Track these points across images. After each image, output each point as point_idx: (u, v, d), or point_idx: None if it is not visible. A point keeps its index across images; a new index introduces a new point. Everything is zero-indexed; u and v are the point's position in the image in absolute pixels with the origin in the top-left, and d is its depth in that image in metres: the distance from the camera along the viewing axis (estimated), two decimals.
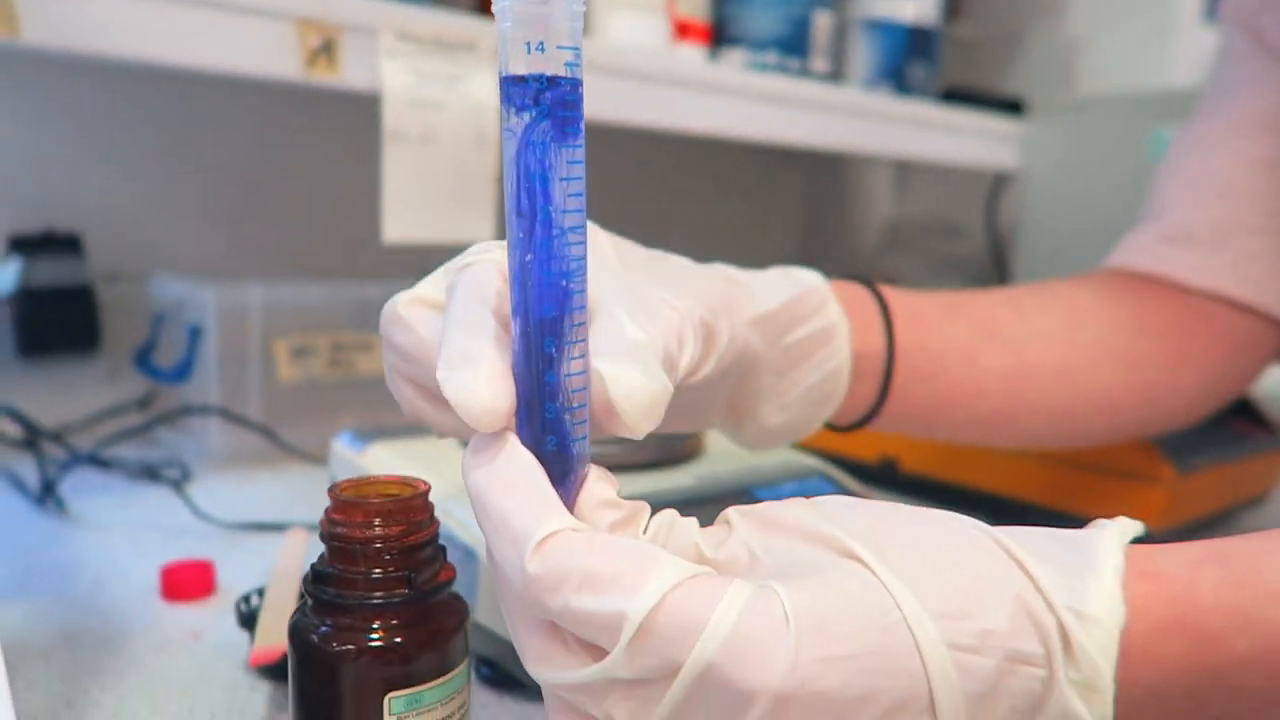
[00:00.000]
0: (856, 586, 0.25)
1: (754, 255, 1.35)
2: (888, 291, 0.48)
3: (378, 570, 0.31)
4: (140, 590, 0.51)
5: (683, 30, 0.88)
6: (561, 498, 0.27)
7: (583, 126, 0.26)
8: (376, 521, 0.31)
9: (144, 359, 0.78)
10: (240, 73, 0.61)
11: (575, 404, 0.27)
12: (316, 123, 0.94)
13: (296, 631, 0.32)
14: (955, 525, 0.27)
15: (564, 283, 0.26)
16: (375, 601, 0.31)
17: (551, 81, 0.25)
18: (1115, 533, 0.28)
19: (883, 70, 0.99)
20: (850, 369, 0.44)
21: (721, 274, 0.40)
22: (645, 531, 0.28)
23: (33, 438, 0.69)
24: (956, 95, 1.07)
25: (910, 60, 0.99)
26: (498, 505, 0.26)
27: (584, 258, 0.27)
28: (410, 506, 0.32)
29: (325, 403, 0.79)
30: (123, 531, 0.60)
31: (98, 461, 0.70)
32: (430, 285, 0.32)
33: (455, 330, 0.28)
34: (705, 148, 1.13)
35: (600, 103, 0.78)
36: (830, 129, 0.93)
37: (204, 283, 0.75)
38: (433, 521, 0.33)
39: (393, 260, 0.81)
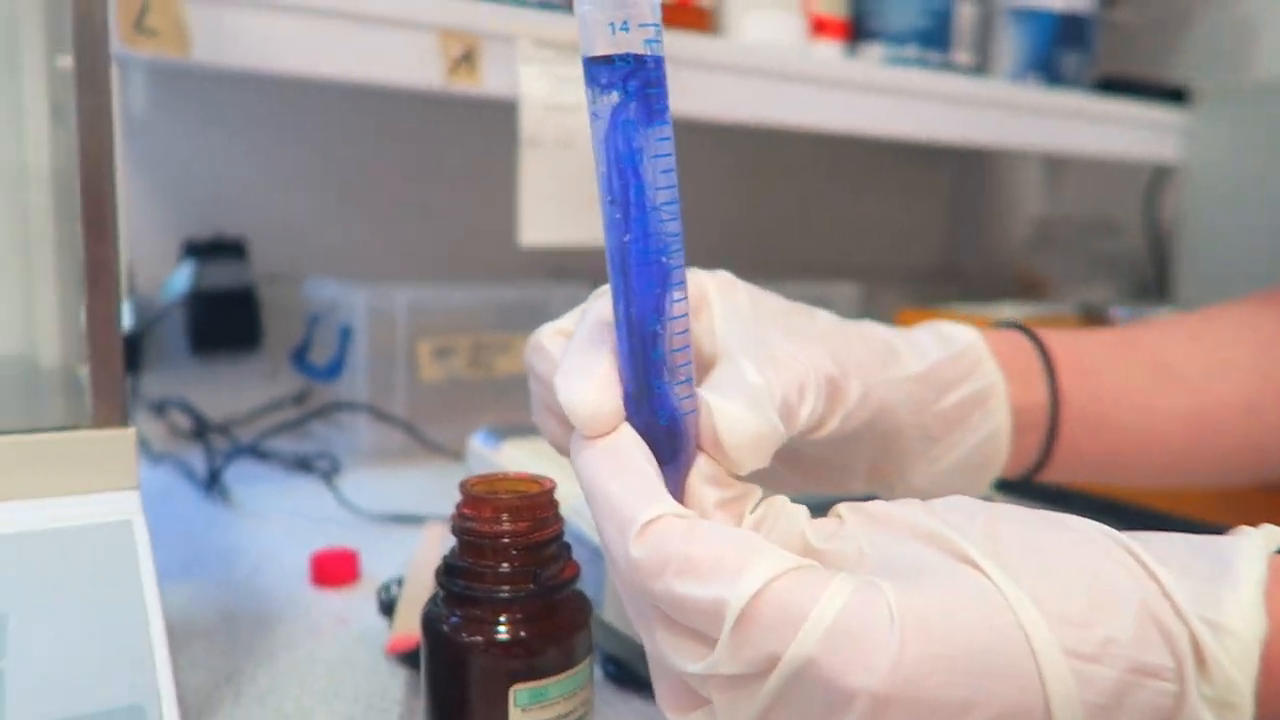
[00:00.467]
0: (968, 588, 0.24)
1: (897, 255, 1.32)
2: (1050, 338, 0.45)
3: (505, 565, 0.32)
4: (292, 575, 0.54)
5: (819, 26, 0.87)
6: (671, 475, 0.27)
7: (668, 103, 0.26)
8: (504, 517, 0.32)
9: (300, 357, 0.83)
10: (388, 82, 0.64)
11: (681, 378, 0.27)
12: (459, 129, 0.97)
13: (429, 621, 0.33)
14: (1079, 529, 0.26)
15: (663, 259, 0.26)
16: (502, 595, 0.32)
17: (637, 60, 0.25)
18: (1258, 540, 0.26)
19: (1031, 61, 0.95)
20: (1010, 430, 0.41)
21: (863, 332, 0.39)
22: (753, 513, 0.28)
23: (201, 430, 0.74)
24: (1113, 84, 1.01)
25: (1062, 49, 0.95)
26: (603, 490, 0.27)
27: (679, 234, 0.27)
28: (536, 503, 0.33)
29: (465, 401, 0.82)
30: (278, 519, 0.64)
31: (257, 453, 0.74)
32: (571, 318, 0.34)
33: (576, 346, 0.29)
34: (846, 145, 1.11)
35: (737, 103, 0.78)
36: (975, 123, 0.90)
37: (354, 285, 0.79)
38: (558, 519, 0.33)
39: (531, 263, 0.83)
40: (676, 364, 0.27)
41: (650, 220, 0.26)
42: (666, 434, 0.28)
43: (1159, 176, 1.10)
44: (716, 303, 0.35)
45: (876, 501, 0.28)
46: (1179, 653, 0.23)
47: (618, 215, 0.26)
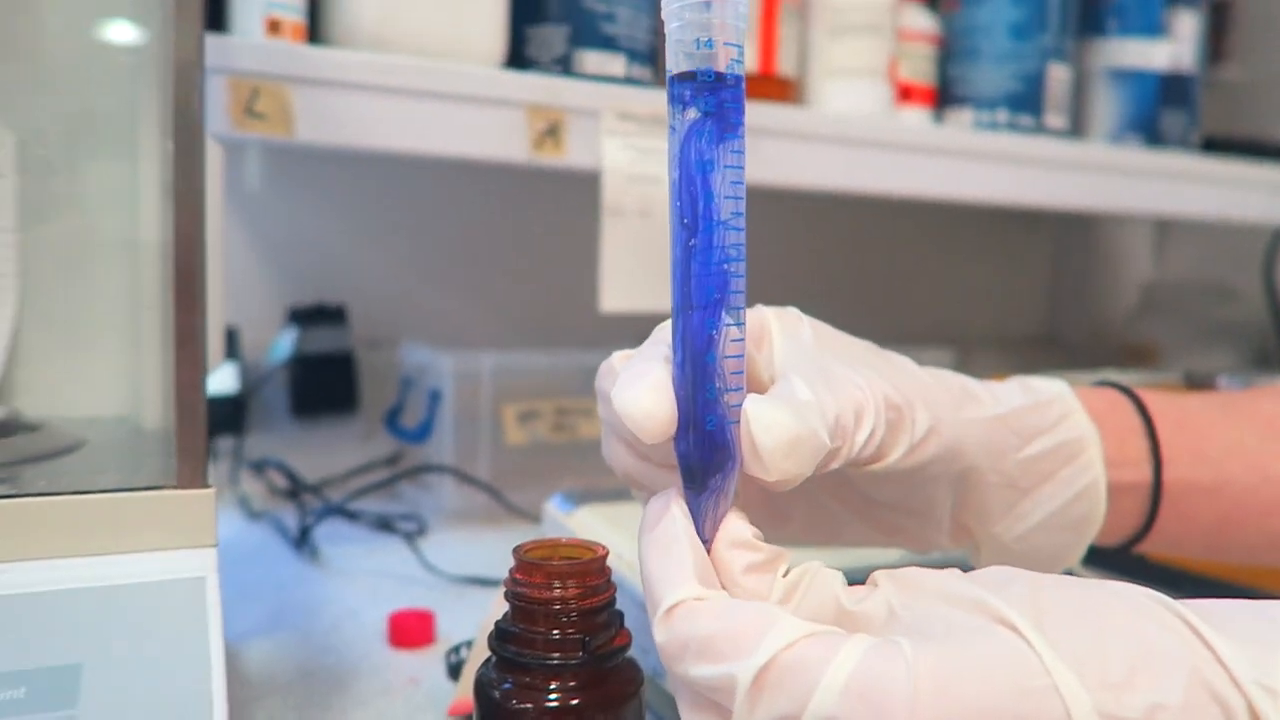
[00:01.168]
0: (997, 648, 0.23)
1: (999, 322, 1.29)
2: (1147, 395, 0.42)
3: (556, 631, 0.32)
4: (371, 634, 0.56)
5: (906, 93, 0.87)
6: (719, 484, 0.28)
7: (744, 120, 0.27)
8: (555, 583, 0.33)
9: (392, 420, 0.86)
10: (477, 157, 0.67)
11: (732, 385, 0.28)
12: (544, 200, 1.00)
13: (480, 686, 0.33)
14: (1126, 595, 0.25)
15: (725, 266, 0.27)
16: (553, 662, 0.32)
17: (718, 77, 0.27)
18: None
19: (1131, 122, 0.92)
20: (1106, 486, 0.39)
21: (938, 373, 0.38)
22: (785, 576, 0.28)
23: (295, 489, 0.77)
24: (1221, 144, 0.97)
25: (1164, 110, 0.92)
26: (646, 571, 0.28)
27: (743, 244, 0.28)
28: (588, 570, 0.33)
29: (549, 464, 0.83)
30: (362, 578, 0.65)
31: (346, 513, 0.77)
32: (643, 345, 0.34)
33: (634, 360, 0.30)
34: (945, 210, 1.10)
35: (823, 172, 0.78)
36: (1070, 187, 0.87)
37: (444, 350, 0.81)
38: (609, 586, 0.33)
39: (612, 329, 0.84)
40: (728, 371, 0.28)
41: (715, 230, 0.27)
42: (712, 440, 0.28)
43: (1278, 239, 1.05)
44: (777, 334, 0.35)
45: (913, 568, 0.27)
46: None
47: (686, 220, 0.27)
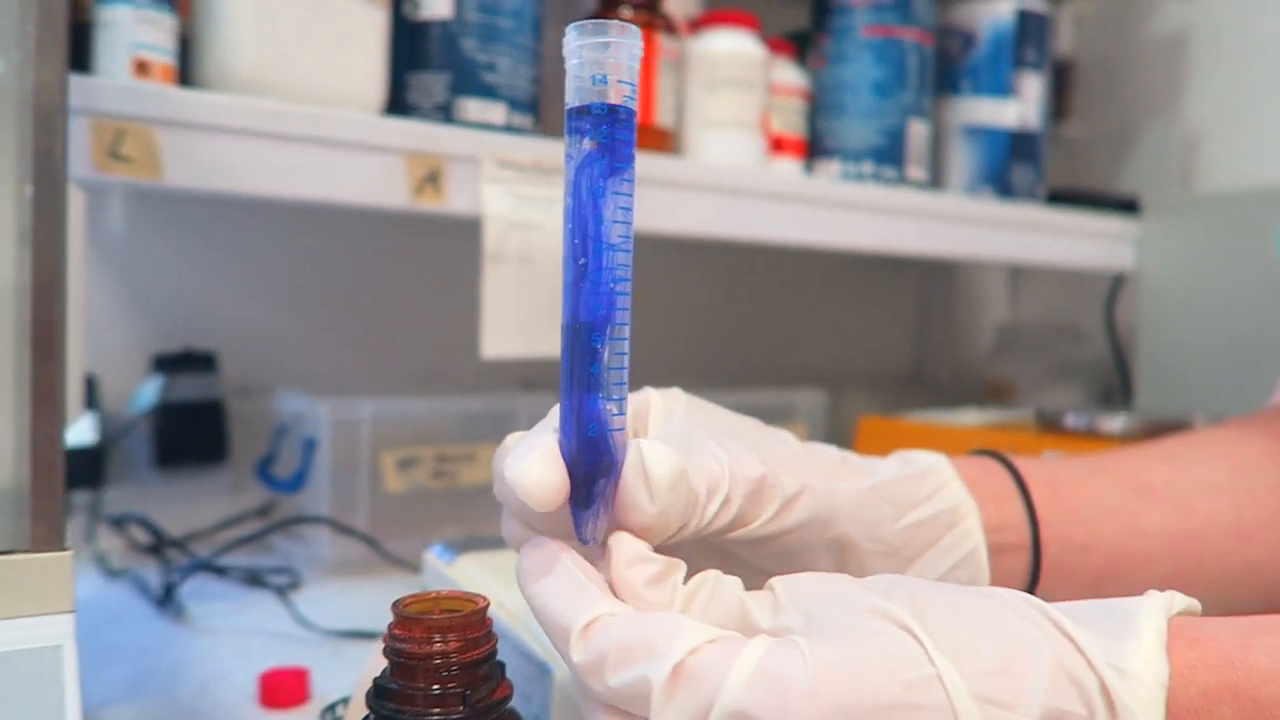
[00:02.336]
0: (885, 643, 0.26)
1: (866, 362, 1.34)
2: (1020, 461, 0.45)
3: (436, 686, 0.32)
4: (240, 696, 0.53)
5: (778, 145, 0.90)
6: (602, 490, 0.30)
7: (634, 153, 0.30)
8: (435, 637, 0.32)
9: (264, 470, 0.83)
10: (355, 203, 0.66)
11: (615, 396, 0.30)
12: (423, 247, 1.00)
13: None
14: (1000, 597, 0.29)
15: (612, 285, 0.30)
16: (433, 718, 0.32)
17: (611, 110, 0.29)
18: (1160, 600, 0.29)
19: (984, 176, 0.98)
20: (988, 550, 0.41)
21: (814, 448, 0.40)
22: (685, 584, 0.30)
23: (158, 544, 0.74)
24: (1066, 197, 1.05)
25: (1014, 164, 0.99)
26: (542, 606, 0.29)
27: (629, 266, 0.30)
28: (469, 622, 0.33)
29: (429, 513, 0.81)
30: (231, 636, 0.63)
31: (214, 568, 0.74)
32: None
33: (526, 435, 0.32)
34: (814, 256, 1.14)
35: (700, 219, 0.80)
36: (931, 236, 0.92)
37: (320, 397, 0.79)
38: (490, 638, 0.33)
39: (494, 375, 0.84)
40: (611, 382, 0.30)
41: (604, 252, 0.30)
42: (593, 446, 0.30)
43: (1118, 284, 1.13)
44: (656, 412, 0.37)
45: (807, 573, 0.29)
46: (1090, 699, 0.26)
47: (577, 241, 0.30)
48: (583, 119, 0.29)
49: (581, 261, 0.29)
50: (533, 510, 0.30)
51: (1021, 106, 0.99)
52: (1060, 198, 1.04)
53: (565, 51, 0.29)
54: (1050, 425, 0.75)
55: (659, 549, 0.36)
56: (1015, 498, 0.43)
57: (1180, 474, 0.47)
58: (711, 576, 0.30)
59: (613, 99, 0.29)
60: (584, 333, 0.30)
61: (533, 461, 0.30)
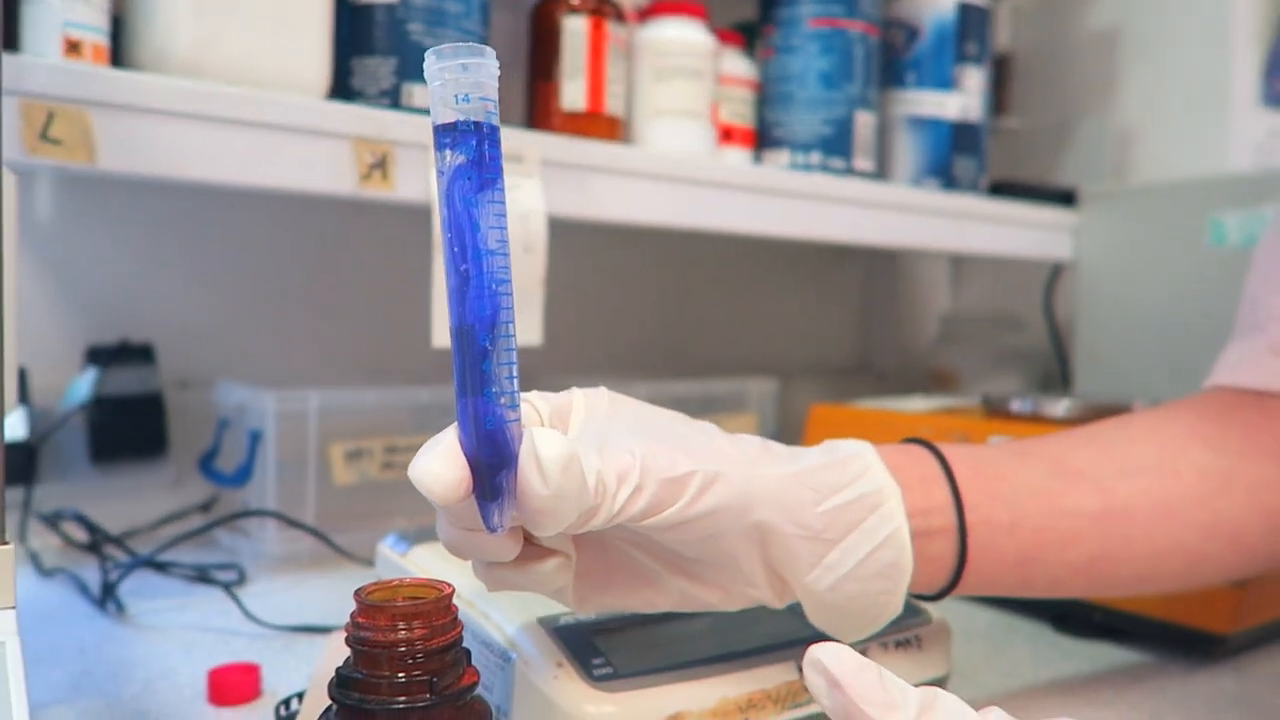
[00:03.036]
0: None
1: (813, 351, 1.36)
2: (948, 447, 0.46)
3: (401, 674, 0.31)
4: (188, 694, 0.52)
5: (727, 134, 0.90)
6: (504, 480, 0.32)
7: (502, 164, 0.32)
8: (400, 625, 0.32)
9: (207, 464, 0.81)
10: (301, 190, 0.65)
11: (507, 389, 0.32)
12: (371, 234, 0.98)
13: None
14: None
15: (495, 288, 0.32)
16: (399, 706, 0.31)
17: (476, 125, 0.31)
18: None
19: (928, 167, 1.00)
20: (910, 532, 0.42)
21: (740, 438, 0.41)
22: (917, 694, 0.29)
23: (96, 541, 0.71)
24: (1006, 188, 1.07)
25: (956, 156, 1.00)
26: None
27: (508, 268, 0.32)
28: (434, 609, 0.32)
29: (379, 505, 0.80)
30: (177, 633, 0.61)
31: (156, 564, 0.71)
32: None
33: (434, 438, 0.33)
34: (762, 246, 1.15)
35: (649, 207, 0.80)
36: (876, 225, 0.94)
37: (264, 389, 0.78)
38: (455, 624, 0.33)
39: (444, 364, 0.83)
40: (501, 377, 0.32)
41: (484, 258, 0.31)
42: (492, 438, 0.32)
43: (1056, 273, 1.16)
44: (578, 410, 0.39)
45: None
46: None
47: (456, 250, 0.31)
48: (447, 134, 0.31)
49: (463, 268, 0.31)
50: (441, 505, 0.32)
51: (964, 99, 1.00)
52: (1001, 189, 1.07)
53: (427, 75, 0.31)
54: (996, 410, 0.76)
55: (576, 538, 0.38)
56: (941, 482, 0.44)
57: (1105, 455, 0.48)
58: (937, 693, 0.29)
59: (478, 115, 0.31)
60: (471, 334, 0.31)
61: (433, 458, 0.32)
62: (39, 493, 0.78)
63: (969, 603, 0.69)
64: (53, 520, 0.77)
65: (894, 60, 1.00)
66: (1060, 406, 0.72)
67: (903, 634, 0.49)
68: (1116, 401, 0.72)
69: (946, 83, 1.00)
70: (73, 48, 0.60)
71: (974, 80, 1.01)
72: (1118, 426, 0.51)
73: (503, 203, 0.32)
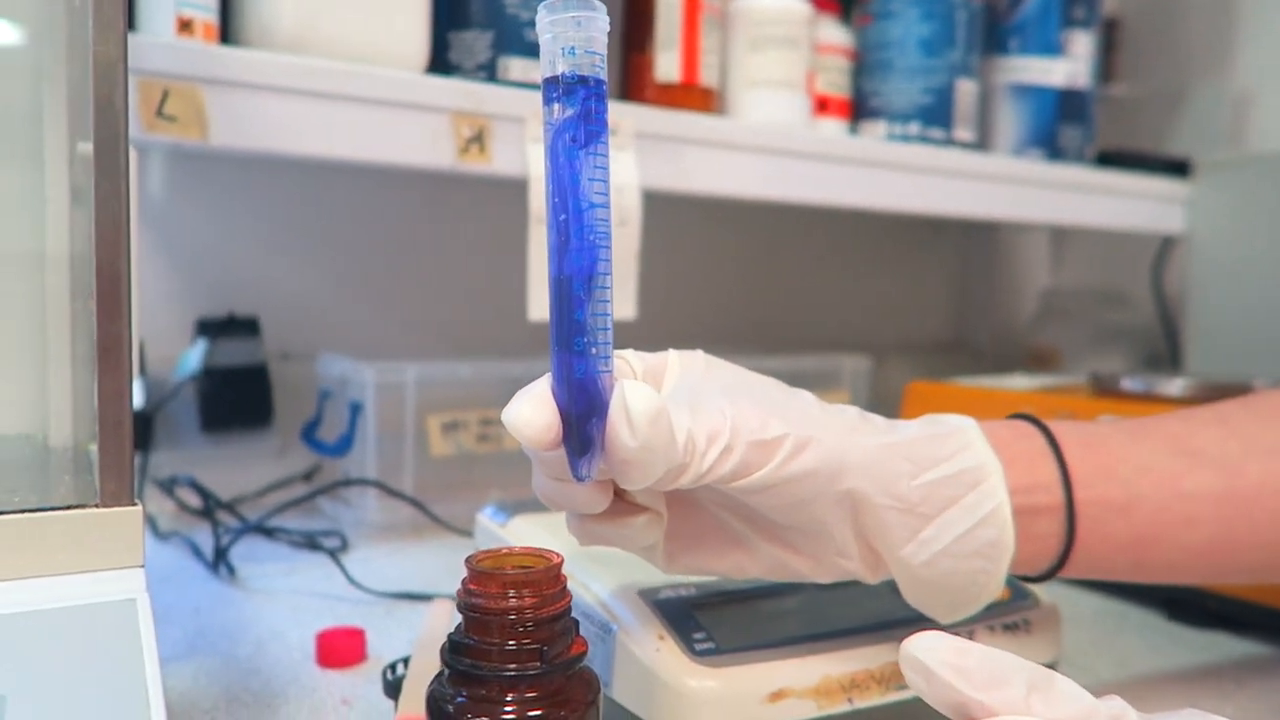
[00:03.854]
0: None
1: (907, 328, 1.33)
2: (1056, 424, 0.44)
3: (511, 642, 0.32)
4: (297, 655, 0.54)
5: (823, 105, 0.89)
6: (594, 430, 0.33)
7: (607, 117, 0.32)
8: (510, 593, 0.32)
9: (310, 433, 0.83)
10: (401, 163, 0.66)
11: (600, 340, 0.33)
12: (466, 208, 0.99)
13: (434, 701, 0.33)
14: None
15: (592, 239, 0.32)
16: (509, 673, 0.32)
17: (582, 79, 0.31)
18: None
19: (1032, 137, 0.96)
20: (1012, 512, 0.40)
21: (837, 407, 0.40)
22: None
23: (209, 507, 0.74)
24: (1114, 158, 1.02)
25: (1062, 125, 0.96)
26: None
27: (608, 222, 0.32)
28: (543, 578, 0.32)
29: (474, 476, 0.81)
30: (285, 597, 0.63)
31: (264, 530, 0.74)
32: None
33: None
34: (855, 221, 1.12)
35: (743, 180, 0.79)
36: (977, 197, 0.91)
37: (364, 361, 0.79)
38: (565, 594, 0.33)
39: (540, 337, 0.83)
40: (595, 327, 0.32)
41: (584, 210, 0.32)
42: (583, 387, 0.32)
43: (1166, 247, 1.11)
44: (674, 371, 0.39)
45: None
46: None
47: (557, 200, 0.32)
48: (554, 87, 0.32)
49: (563, 218, 0.32)
50: (534, 451, 0.34)
51: (1071, 65, 0.96)
52: (1109, 159, 1.02)
53: (538, 28, 0.32)
54: (1105, 389, 0.73)
55: (667, 498, 0.38)
56: (1047, 458, 0.43)
57: (1230, 435, 0.45)
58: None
59: (583, 69, 0.31)
60: (568, 284, 0.32)
61: (524, 403, 0.33)
62: (154, 459, 0.82)
63: (1075, 588, 0.67)
64: (168, 486, 0.80)
65: (996, 25, 0.97)
66: (1175, 385, 0.68)
67: (1010, 617, 0.48)
68: (1236, 381, 0.68)
69: (1053, 48, 0.96)
70: (185, 26, 0.61)
71: (1082, 45, 0.97)
72: (1242, 406, 0.48)
73: (606, 156, 0.32)
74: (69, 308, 0.50)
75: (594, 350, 0.32)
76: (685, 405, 0.35)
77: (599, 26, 0.31)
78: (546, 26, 0.31)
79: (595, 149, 0.32)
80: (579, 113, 0.31)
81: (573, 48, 0.31)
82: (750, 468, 0.36)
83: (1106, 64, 1.14)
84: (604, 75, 0.32)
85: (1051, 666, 0.48)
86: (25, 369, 0.51)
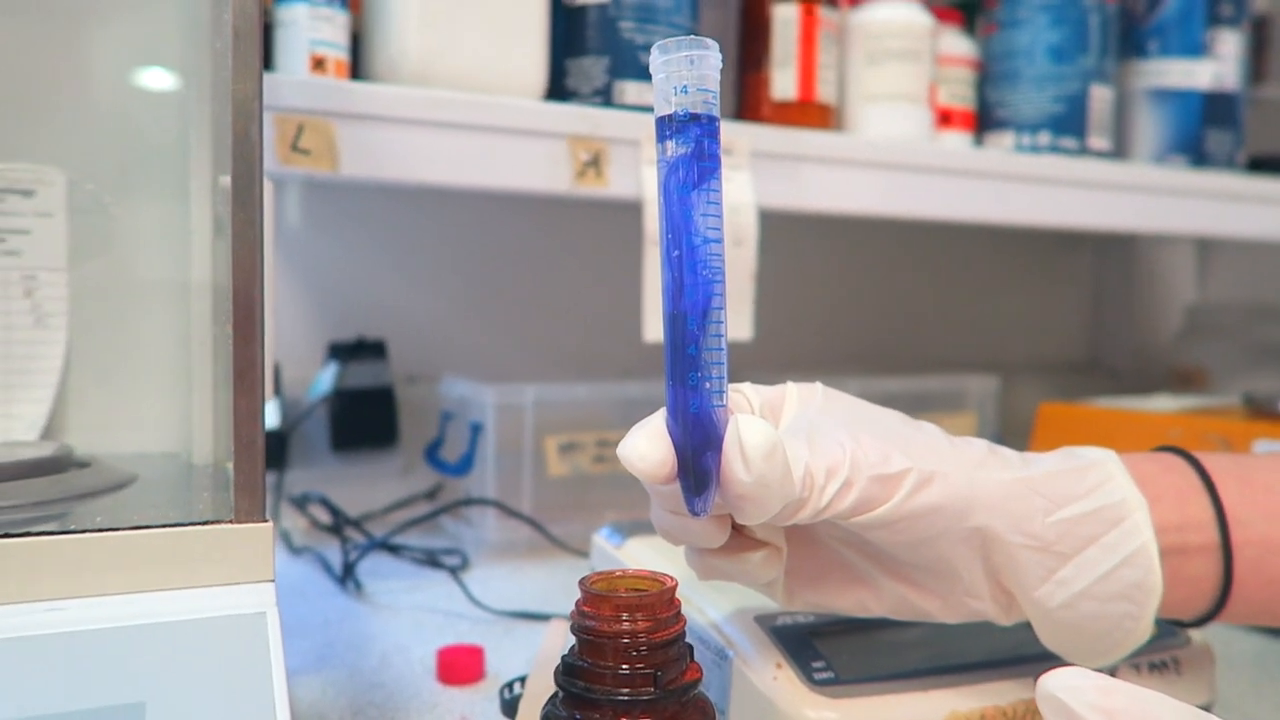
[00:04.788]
0: None
1: (1038, 346, 1.27)
2: (1207, 456, 0.41)
3: (625, 666, 0.31)
4: (419, 670, 0.55)
5: (945, 118, 0.86)
6: (709, 465, 0.32)
7: (720, 153, 0.32)
8: (624, 616, 0.32)
9: (432, 453, 0.85)
10: (520, 189, 0.67)
11: (714, 375, 0.33)
12: (582, 231, 1.00)
13: None
14: None
15: (704, 272, 0.32)
16: (622, 698, 0.31)
17: (694, 117, 0.32)
18: None
19: (1174, 143, 0.91)
20: (1160, 551, 0.38)
21: (964, 440, 0.39)
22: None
23: (338, 524, 0.77)
24: (1266, 164, 0.96)
25: (1208, 129, 0.91)
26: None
27: (721, 255, 0.33)
28: (657, 602, 0.32)
29: (591, 497, 0.82)
30: (408, 613, 0.64)
31: (389, 547, 0.76)
32: None
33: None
34: (983, 235, 1.09)
35: (862, 195, 0.78)
36: (1115, 209, 0.86)
37: (485, 383, 0.81)
38: (679, 618, 0.32)
39: (654, 359, 0.83)
40: (709, 362, 0.33)
41: (698, 246, 0.32)
42: (696, 422, 0.33)
43: None
44: (792, 403, 0.39)
45: None
46: None
47: (670, 236, 0.32)
48: (667, 125, 0.32)
49: (676, 254, 0.32)
50: (651, 485, 0.33)
51: (1217, 66, 0.91)
52: (1260, 165, 0.96)
53: (651, 68, 0.32)
54: (1262, 411, 0.68)
55: (788, 533, 0.38)
56: (1200, 494, 0.40)
57: None
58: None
59: (695, 108, 0.32)
60: (682, 320, 0.32)
61: (640, 437, 0.33)
62: (289, 477, 0.85)
63: (1231, 627, 0.62)
64: (300, 503, 0.83)
65: (1133, 28, 0.92)
66: None
67: (1157, 655, 0.44)
68: None
69: (1196, 49, 0.90)
70: (318, 64, 0.64)
71: (1229, 45, 0.91)
72: None
73: (719, 192, 0.32)
74: (211, 333, 0.53)
75: (708, 385, 0.33)
76: (803, 439, 0.35)
77: (711, 64, 0.32)
78: (660, 66, 0.32)
79: (708, 185, 0.32)
80: (692, 151, 0.32)
81: (685, 86, 0.32)
82: (872, 503, 0.35)
83: (1257, 63, 1.07)
84: (717, 112, 0.32)
85: (1205, 709, 0.45)
86: (172, 390, 0.54)
